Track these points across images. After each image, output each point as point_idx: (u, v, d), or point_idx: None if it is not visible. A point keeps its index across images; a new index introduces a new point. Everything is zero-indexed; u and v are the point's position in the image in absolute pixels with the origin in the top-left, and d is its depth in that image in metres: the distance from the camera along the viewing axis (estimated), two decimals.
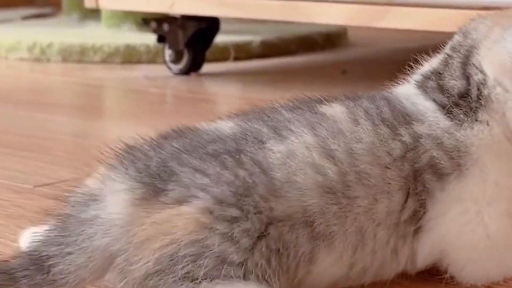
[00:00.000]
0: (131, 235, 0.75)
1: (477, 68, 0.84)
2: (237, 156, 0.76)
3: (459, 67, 0.85)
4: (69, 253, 0.76)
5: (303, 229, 0.77)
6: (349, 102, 0.84)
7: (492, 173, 0.81)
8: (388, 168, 0.80)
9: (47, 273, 0.77)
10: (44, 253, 0.77)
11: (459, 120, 0.83)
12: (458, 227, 0.81)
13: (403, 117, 0.82)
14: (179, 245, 0.73)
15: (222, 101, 1.94)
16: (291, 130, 0.79)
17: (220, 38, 2.27)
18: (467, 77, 0.84)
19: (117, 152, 0.80)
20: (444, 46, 0.88)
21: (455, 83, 0.84)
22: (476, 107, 0.83)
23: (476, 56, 0.84)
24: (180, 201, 0.74)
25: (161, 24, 2.10)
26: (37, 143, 1.47)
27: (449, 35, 0.89)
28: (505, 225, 0.82)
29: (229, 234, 0.74)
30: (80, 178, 0.83)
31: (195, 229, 0.73)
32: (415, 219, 0.81)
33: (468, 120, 0.83)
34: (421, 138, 0.81)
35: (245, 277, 0.74)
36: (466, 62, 0.84)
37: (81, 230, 0.76)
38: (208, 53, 2.20)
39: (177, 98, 1.97)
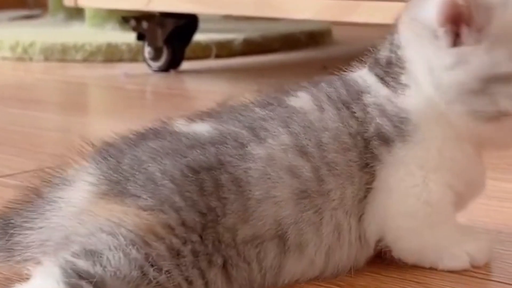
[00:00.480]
0: (84, 212, 0.76)
1: (396, 33, 0.85)
2: (216, 175, 0.75)
3: (387, 39, 0.86)
4: (29, 228, 0.78)
5: (272, 245, 0.77)
6: (312, 89, 0.84)
7: (434, 141, 0.82)
8: (349, 150, 0.80)
9: (8, 240, 0.79)
10: (11, 221, 0.80)
11: (393, 87, 0.84)
12: (403, 190, 0.82)
13: (356, 94, 0.83)
14: (120, 226, 0.73)
15: (199, 97, 1.96)
16: (267, 130, 0.79)
17: (202, 36, 2.29)
18: (390, 45, 0.85)
19: (94, 146, 0.81)
20: None
21: (383, 53, 0.85)
22: (398, 72, 0.84)
23: (397, 25, 0.85)
24: (145, 209, 0.74)
25: (140, 22, 2.12)
26: (7, 136, 1.49)
27: None
28: (446, 195, 0.83)
29: (176, 249, 0.73)
30: (45, 169, 0.85)
31: (143, 229, 0.73)
32: (367, 193, 0.81)
33: (397, 86, 0.84)
34: (368, 108, 0.82)
35: None
36: (392, 32, 0.86)
37: (45, 209, 0.78)
38: (190, 51, 2.22)
39: (154, 94, 1.99)
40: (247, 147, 0.77)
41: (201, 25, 2.22)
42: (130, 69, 2.18)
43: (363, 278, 0.83)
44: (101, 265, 0.70)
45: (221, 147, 0.76)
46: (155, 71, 2.14)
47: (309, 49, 2.48)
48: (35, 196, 0.81)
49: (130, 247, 0.71)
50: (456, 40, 0.80)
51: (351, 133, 0.81)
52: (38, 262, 0.75)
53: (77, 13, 2.68)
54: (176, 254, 0.73)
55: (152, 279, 0.71)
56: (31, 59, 2.36)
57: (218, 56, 2.34)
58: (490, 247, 0.87)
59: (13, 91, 1.99)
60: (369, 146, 0.81)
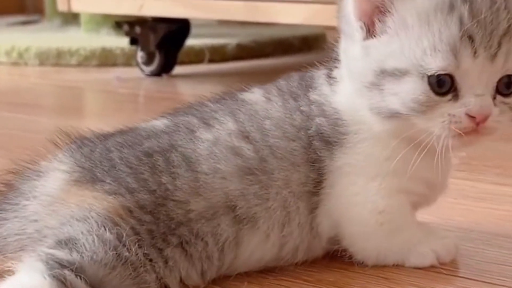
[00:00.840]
0: (56, 202, 0.80)
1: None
2: (168, 155, 0.81)
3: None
4: (3, 219, 0.82)
5: (224, 216, 0.81)
6: (267, 85, 0.88)
7: (365, 144, 0.83)
8: (292, 140, 0.83)
9: None
10: None
11: (331, 85, 0.85)
12: (348, 198, 0.83)
13: (305, 89, 0.86)
14: (91, 210, 0.77)
15: (190, 100, 1.97)
16: (216, 118, 0.84)
17: (196, 41, 2.32)
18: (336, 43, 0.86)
19: (69, 138, 0.87)
20: None
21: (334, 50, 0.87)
22: (334, 68, 0.86)
23: None
24: (110, 193, 0.79)
25: (133, 26, 2.14)
26: (0, 140, 1.51)
27: None
28: (396, 201, 0.84)
29: (137, 230, 0.78)
30: (17, 163, 0.88)
31: (111, 212, 0.78)
32: (318, 190, 0.83)
33: (333, 83, 0.86)
34: (312, 105, 0.84)
35: (151, 270, 0.78)
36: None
37: (18, 200, 0.82)
38: (184, 56, 2.25)
39: (146, 98, 2.01)
40: (196, 132, 0.83)
41: (194, 30, 2.24)
42: (124, 73, 2.21)
43: (332, 273, 0.85)
44: (77, 251, 0.74)
45: (173, 134, 0.83)
46: (148, 75, 2.17)
47: (302, 54, 2.51)
48: (7, 189, 0.84)
49: (102, 229, 0.76)
50: (371, 32, 0.81)
51: (294, 124, 0.84)
52: (15, 252, 0.79)
53: (73, 18, 2.71)
54: (137, 234, 0.77)
55: (125, 259, 0.75)
56: (26, 64, 2.39)
57: (211, 60, 2.36)
58: (455, 245, 0.89)
59: (8, 95, 2.02)
60: (312, 145, 0.83)
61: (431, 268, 0.86)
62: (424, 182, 0.85)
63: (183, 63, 2.26)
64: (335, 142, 0.83)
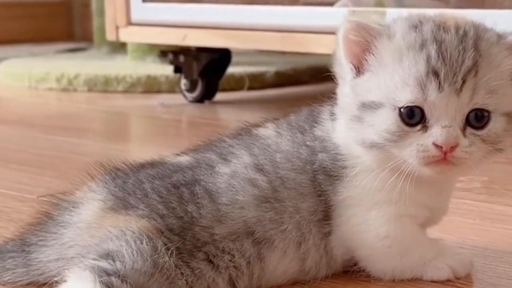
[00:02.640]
0: (91, 227, 0.90)
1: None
2: (192, 188, 0.90)
3: None
4: (44, 246, 0.92)
5: (246, 239, 0.90)
6: (280, 120, 0.97)
7: (360, 177, 0.90)
8: (300, 173, 0.91)
9: (25, 257, 0.93)
10: (27, 240, 0.94)
11: (333, 121, 0.93)
12: (352, 228, 0.92)
13: (311, 124, 0.94)
14: (127, 228, 0.87)
15: (231, 126, 2.06)
16: (233, 153, 0.93)
17: (236, 69, 2.42)
18: None
19: (104, 169, 0.96)
20: None
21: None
22: (334, 104, 0.94)
23: None
24: (143, 216, 0.89)
25: (177, 55, 2.25)
26: (49, 162, 1.61)
27: None
28: (399, 225, 0.91)
29: (167, 246, 0.87)
30: (54, 194, 0.99)
31: (145, 230, 0.87)
32: (328, 219, 0.92)
33: (334, 119, 0.93)
34: (316, 141, 0.92)
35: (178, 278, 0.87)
36: None
37: (57, 229, 0.92)
38: (225, 83, 2.35)
39: (189, 124, 2.12)
40: (215, 167, 0.92)
41: (235, 58, 2.34)
42: (168, 99, 2.31)
43: (355, 285, 0.93)
44: (120, 261, 0.83)
45: (196, 170, 0.92)
46: (191, 101, 2.27)
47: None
48: (46, 219, 0.94)
49: (138, 242, 0.85)
50: (359, 72, 0.88)
51: (301, 158, 0.92)
52: (55, 275, 0.89)
53: (120, 47, 2.83)
54: (168, 249, 0.86)
55: (161, 266, 0.84)
56: (75, 90, 2.51)
57: (251, 88, 2.46)
58: (470, 261, 0.96)
59: (57, 119, 2.13)
60: (317, 179, 0.91)
61: (446, 281, 0.93)
62: (423, 207, 0.93)
63: (224, 90, 2.36)
64: (336, 176, 0.91)
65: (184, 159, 0.95)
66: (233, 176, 0.91)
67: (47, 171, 1.53)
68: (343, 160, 0.91)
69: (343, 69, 0.90)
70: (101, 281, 0.81)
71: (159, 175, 0.93)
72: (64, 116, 2.19)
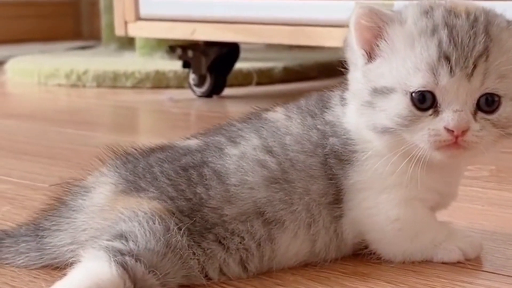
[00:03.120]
0: (104, 209, 0.91)
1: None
2: (201, 170, 0.92)
3: None
4: (57, 230, 0.94)
5: (256, 220, 0.91)
6: (289, 104, 0.98)
7: (371, 161, 0.91)
8: (310, 155, 0.92)
9: (39, 242, 0.94)
10: (41, 225, 0.95)
11: (343, 105, 0.94)
12: (363, 211, 0.93)
13: (322, 108, 0.95)
14: (139, 209, 0.88)
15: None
16: (242, 136, 0.94)
17: (244, 65, 2.43)
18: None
19: (115, 155, 0.98)
20: None
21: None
22: (345, 89, 0.95)
23: None
24: (154, 198, 0.90)
25: (186, 50, 2.27)
26: (61, 153, 1.63)
27: None
28: (410, 208, 0.92)
29: (179, 226, 0.88)
30: (66, 181, 1.00)
31: (156, 210, 0.89)
32: (339, 201, 0.93)
33: (344, 104, 0.94)
34: (327, 125, 0.93)
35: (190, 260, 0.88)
36: None
37: (69, 214, 0.94)
38: (233, 78, 2.36)
39: (197, 117, 2.13)
40: (224, 149, 0.93)
41: (243, 54, 2.36)
42: (176, 94, 2.33)
43: (366, 267, 0.95)
44: (133, 241, 0.84)
45: (204, 152, 0.93)
46: (199, 96, 2.28)
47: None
48: (59, 204, 0.96)
49: (151, 222, 0.86)
50: (370, 58, 0.89)
51: (311, 141, 0.93)
52: (69, 258, 0.90)
53: (128, 43, 2.84)
54: (180, 229, 0.87)
55: (173, 246, 0.86)
56: (84, 86, 2.52)
57: (259, 83, 2.48)
58: (480, 243, 0.97)
59: (67, 114, 2.15)
60: (328, 163, 0.92)
61: (457, 263, 0.94)
62: (433, 191, 0.94)
63: (232, 85, 2.37)
64: (346, 160, 0.92)
65: (193, 143, 0.96)
66: (242, 157, 0.92)
67: (58, 161, 1.55)
68: (354, 145, 0.92)
69: (354, 55, 0.91)
70: (116, 260, 0.82)
71: (168, 158, 0.94)
72: (74, 111, 2.20)
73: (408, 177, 0.90)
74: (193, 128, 1.99)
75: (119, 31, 2.25)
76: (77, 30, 4.04)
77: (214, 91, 2.28)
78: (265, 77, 2.51)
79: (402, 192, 0.92)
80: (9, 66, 2.78)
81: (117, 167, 0.95)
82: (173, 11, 2.16)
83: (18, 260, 0.94)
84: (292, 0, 1.97)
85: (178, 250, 0.86)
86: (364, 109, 0.90)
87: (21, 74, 2.68)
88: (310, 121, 0.94)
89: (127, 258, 0.83)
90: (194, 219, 0.89)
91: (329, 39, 1.86)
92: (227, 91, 2.32)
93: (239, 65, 2.36)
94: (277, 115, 0.97)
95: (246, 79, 2.47)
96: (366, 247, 0.95)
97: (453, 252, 0.95)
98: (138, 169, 0.93)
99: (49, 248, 0.93)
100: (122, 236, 0.86)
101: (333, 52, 2.61)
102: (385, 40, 0.88)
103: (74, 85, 2.54)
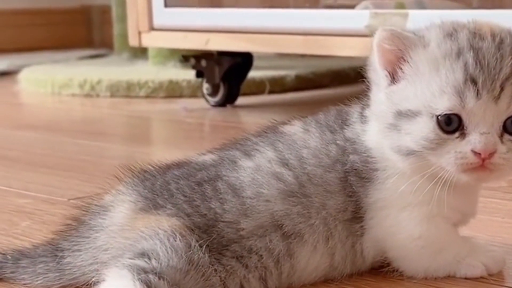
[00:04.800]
0: (124, 229, 0.91)
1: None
2: (215, 184, 0.92)
3: None
4: (78, 250, 0.94)
5: (274, 233, 0.91)
6: (307, 118, 0.98)
7: (393, 180, 0.91)
8: (328, 170, 0.92)
9: (58, 262, 0.94)
10: (59, 245, 0.96)
11: (363, 123, 0.94)
12: (385, 230, 0.93)
13: (341, 124, 0.95)
14: (159, 228, 0.88)
15: (253, 129, 2.09)
16: (257, 150, 0.94)
17: (257, 73, 2.44)
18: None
19: (132, 172, 0.98)
20: None
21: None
22: (367, 104, 0.95)
23: None
24: (172, 215, 0.90)
25: (199, 60, 2.27)
26: (77, 165, 1.64)
27: None
28: (432, 226, 0.92)
29: (199, 243, 0.88)
30: (107, 191, 1.00)
31: (176, 228, 0.89)
32: (358, 218, 0.93)
33: (365, 121, 0.94)
34: (347, 142, 0.93)
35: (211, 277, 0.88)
36: None
37: (89, 233, 0.94)
38: (245, 87, 2.37)
39: (211, 127, 2.13)
40: (238, 162, 0.93)
41: (256, 62, 2.36)
42: (190, 104, 2.33)
43: (388, 283, 0.94)
44: (155, 259, 0.85)
45: (219, 166, 0.93)
46: (213, 106, 2.29)
47: (357, 85, 2.60)
48: (77, 224, 0.96)
49: (172, 239, 0.86)
50: (394, 79, 0.89)
51: (330, 156, 0.93)
52: (89, 279, 0.90)
53: (141, 52, 2.85)
54: (200, 246, 0.88)
55: (196, 263, 0.86)
56: (98, 96, 2.53)
57: (271, 91, 2.48)
58: (503, 258, 0.97)
59: (82, 124, 2.16)
60: (348, 180, 0.92)
61: (479, 278, 0.94)
62: (455, 210, 0.94)
63: (245, 94, 2.38)
64: (367, 178, 0.92)
65: (209, 158, 0.97)
66: (257, 170, 0.92)
67: (75, 174, 1.56)
68: (374, 163, 0.92)
69: (377, 75, 0.91)
70: (140, 278, 0.82)
71: (184, 174, 0.94)
72: (88, 121, 2.21)
73: (432, 196, 0.90)
74: (208, 138, 2.00)
75: (133, 41, 2.26)
76: (89, 38, 4.05)
77: (228, 100, 2.28)
78: (277, 85, 2.51)
79: (424, 210, 0.92)
80: (22, 76, 2.79)
81: (135, 185, 0.95)
82: (187, 21, 2.17)
83: (36, 281, 0.94)
84: (305, 10, 1.97)
85: (200, 267, 0.87)
86: (388, 132, 0.90)
87: (35, 84, 2.69)
88: (329, 136, 0.94)
89: (150, 276, 0.83)
90: (211, 235, 0.89)
91: (342, 48, 1.86)
92: (240, 100, 2.33)
93: (251, 73, 2.37)
94: (294, 128, 0.96)
95: (258, 87, 2.47)
96: (388, 264, 0.95)
97: (476, 267, 0.95)
98: (156, 186, 0.93)
99: (69, 269, 0.93)
100: (144, 255, 0.86)
101: (345, 59, 2.62)
102: (408, 63, 0.89)
103: (87, 95, 2.55)
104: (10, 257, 0.97)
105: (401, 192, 0.91)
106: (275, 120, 1.01)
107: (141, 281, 0.82)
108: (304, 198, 0.91)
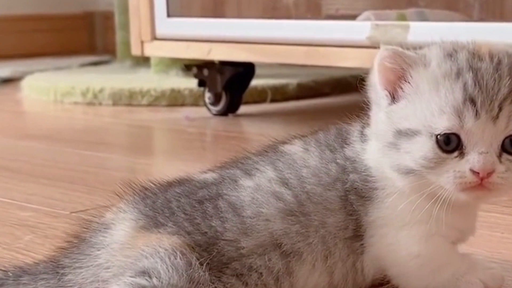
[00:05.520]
0: (125, 247, 0.91)
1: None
2: (216, 202, 0.93)
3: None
4: (79, 268, 0.94)
5: (273, 252, 0.91)
6: (307, 137, 0.98)
7: (392, 198, 0.91)
8: (328, 189, 0.93)
9: (59, 279, 0.95)
10: (61, 263, 0.96)
11: (363, 142, 0.95)
12: (384, 248, 0.93)
13: (341, 143, 0.96)
14: (159, 246, 0.89)
15: (255, 139, 2.10)
16: (257, 169, 0.95)
17: (258, 82, 2.44)
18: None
19: (133, 189, 0.98)
20: None
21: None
22: (367, 123, 0.95)
23: None
24: (173, 234, 0.91)
25: (201, 69, 2.28)
26: (79, 176, 1.64)
27: None
28: (431, 244, 0.92)
29: (200, 261, 0.89)
30: (109, 206, 1.00)
31: (177, 246, 0.89)
32: (359, 237, 0.93)
33: (364, 140, 0.95)
34: (347, 161, 0.94)
35: None
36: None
37: (90, 251, 0.94)
38: (247, 95, 2.38)
39: (214, 137, 2.14)
40: (239, 181, 0.94)
41: (257, 70, 2.37)
42: (192, 113, 2.34)
43: None
44: (156, 277, 0.85)
45: (220, 185, 0.95)
46: (215, 114, 2.29)
47: (359, 93, 2.61)
48: (78, 241, 0.96)
49: (173, 257, 0.87)
50: (394, 99, 0.90)
51: (330, 174, 0.93)
52: None
53: (143, 60, 2.86)
54: (201, 264, 0.88)
55: (197, 281, 0.87)
56: (100, 104, 2.54)
57: (273, 100, 2.49)
58: (502, 275, 0.98)
59: (84, 134, 2.16)
60: (348, 199, 0.93)
61: None
62: (454, 229, 0.94)
63: (246, 102, 2.38)
64: (367, 197, 0.92)
65: (210, 176, 0.97)
66: (257, 189, 0.93)
67: (77, 186, 1.56)
68: (374, 182, 0.93)
69: (377, 95, 0.91)
70: None
71: (185, 192, 0.95)
72: (90, 131, 2.22)
73: (430, 215, 0.90)
74: (209, 148, 2.01)
75: (135, 51, 2.27)
76: (91, 44, 4.06)
77: (230, 109, 2.29)
78: (279, 94, 2.52)
79: (422, 228, 0.92)
80: (25, 83, 2.80)
81: (136, 203, 0.95)
82: (189, 31, 2.18)
83: None
84: (307, 20, 1.98)
85: (201, 285, 0.87)
86: (388, 150, 0.90)
87: (38, 92, 2.70)
88: (329, 155, 0.95)
89: None
90: (212, 253, 0.90)
91: (344, 59, 1.87)
92: (242, 109, 2.33)
93: (253, 82, 2.37)
94: (294, 148, 0.97)
95: (260, 95, 2.48)
96: (388, 281, 0.96)
97: (475, 285, 0.95)
98: (157, 204, 0.94)
99: (70, 286, 0.93)
100: (145, 273, 0.86)
101: (347, 68, 2.63)
102: (409, 82, 0.89)
103: (90, 103, 2.55)
104: (11, 274, 0.97)
105: (400, 210, 0.92)
106: (276, 139, 1.01)
107: None
108: (303, 216, 0.92)
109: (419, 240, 0.92)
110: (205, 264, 0.88)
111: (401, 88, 0.89)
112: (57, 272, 0.95)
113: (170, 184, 0.99)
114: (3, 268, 0.99)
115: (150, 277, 0.86)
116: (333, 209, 0.93)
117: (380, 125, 0.91)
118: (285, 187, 0.93)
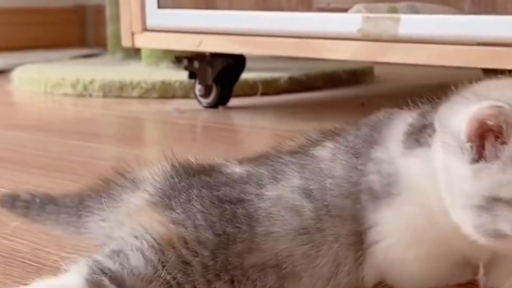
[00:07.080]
0: (129, 215, 0.91)
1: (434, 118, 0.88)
2: (236, 208, 0.88)
3: (428, 109, 0.90)
4: (96, 214, 0.95)
5: (271, 271, 0.88)
6: (339, 138, 0.92)
7: (414, 215, 0.86)
8: (345, 197, 0.88)
9: (79, 217, 0.97)
10: (84, 203, 0.98)
11: (408, 147, 0.87)
12: (389, 258, 0.88)
13: (371, 144, 0.89)
14: (147, 233, 0.87)
15: (245, 131, 2.10)
16: (284, 172, 0.91)
17: (250, 75, 2.44)
18: (425, 120, 0.88)
19: (170, 163, 0.95)
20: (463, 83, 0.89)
21: (418, 119, 0.89)
22: (426, 134, 0.87)
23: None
24: (173, 222, 0.88)
25: (192, 61, 2.28)
26: (68, 166, 1.64)
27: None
28: (438, 265, 0.88)
29: (187, 260, 0.86)
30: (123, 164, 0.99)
31: (164, 239, 0.87)
32: (361, 243, 0.88)
33: (414, 146, 0.87)
34: (370, 162, 0.88)
35: None
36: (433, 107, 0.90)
37: (109, 205, 0.94)
38: (238, 88, 2.37)
39: (204, 129, 2.14)
40: (263, 188, 0.89)
41: (249, 64, 2.36)
42: (182, 105, 2.34)
43: None
44: (120, 263, 0.84)
45: (244, 186, 0.90)
46: (205, 107, 2.29)
47: (350, 87, 2.61)
48: (105, 191, 0.96)
49: (149, 251, 0.85)
50: (479, 154, 0.80)
51: (350, 181, 0.88)
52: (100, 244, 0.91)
53: (134, 52, 2.86)
54: (185, 263, 0.85)
55: (163, 279, 0.84)
56: (90, 96, 2.53)
57: (264, 93, 2.48)
58: None
59: (74, 125, 2.16)
60: (359, 199, 0.87)
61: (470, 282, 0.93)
62: (468, 258, 0.90)
63: (237, 95, 2.38)
64: (382, 198, 0.86)
65: (238, 170, 0.93)
66: (275, 202, 0.88)
67: (66, 175, 1.56)
68: (400, 188, 0.86)
69: (456, 142, 0.82)
70: (89, 279, 0.82)
71: (209, 184, 0.91)
72: (80, 121, 2.21)
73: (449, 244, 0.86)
74: (200, 140, 2.01)
75: (126, 42, 2.26)
76: (83, 37, 4.05)
77: (220, 102, 2.29)
78: (270, 87, 2.52)
79: (432, 248, 0.88)
80: (16, 74, 2.80)
81: (163, 179, 0.93)
82: (180, 22, 2.17)
83: (56, 229, 0.98)
84: (298, 13, 1.98)
85: (165, 283, 0.84)
86: (471, 211, 0.81)
87: (28, 83, 2.69)
88: (354, 161, 0.89)
89: (104, 278, 0.82)
90: (217, 256, 0.86)
91: (335, 52, 1.86)
92: (232, 102, 2.33)
93: (244, 75, 2.37)
94: (324, 153, 0.92)
95: (251, 89, 2.48)
96: None
97: None
98: (178, 186, 0.91)
99: (85, 228, 0.95)
100: (115, 254, 0.85)
101: (339, 62, 2.63)
102: (505, 143, 0.80)
103: (80, 95, 2.55)
104: (38, 200, 1.00)
105: (413, 226, 0.86)
106: (309, 138, 0.95)
107: (88, 281, 0.82)
108: (319, 233, 0.88)
109: (426, 259, 0.88)
110: (197, 262, 0.86)
111: (492, 146, 0.80)
112: (79, 210, 0.96)
113: (201, 170, 0.94)
114: (32, 193, 1.03)
115: (115, 261, 0.84)
116: (345, 217, 0.88)
117: (461, 182, 0.82)
118: (307, 200, 0.88)
